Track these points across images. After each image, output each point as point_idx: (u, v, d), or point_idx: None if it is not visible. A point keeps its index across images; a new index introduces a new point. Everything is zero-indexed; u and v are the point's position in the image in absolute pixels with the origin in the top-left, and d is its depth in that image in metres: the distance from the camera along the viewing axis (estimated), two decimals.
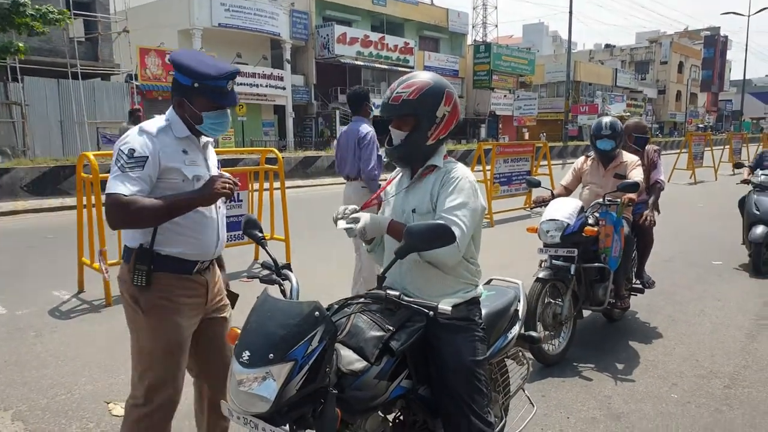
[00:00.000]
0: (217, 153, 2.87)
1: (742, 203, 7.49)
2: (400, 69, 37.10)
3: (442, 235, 1.98)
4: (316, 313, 1.81)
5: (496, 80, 42.56)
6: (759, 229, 6.79)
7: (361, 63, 34.77)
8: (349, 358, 1.96)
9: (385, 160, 3.68)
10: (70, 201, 11.74)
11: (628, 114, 47.26)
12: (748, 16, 47.53)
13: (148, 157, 2.27)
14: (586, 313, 4.87)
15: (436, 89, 2.28)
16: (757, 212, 6.94)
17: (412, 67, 37.35)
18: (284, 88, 31.32)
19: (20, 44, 15.52)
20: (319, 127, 33.94)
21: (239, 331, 1.87)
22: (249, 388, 1.72)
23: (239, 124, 26.48)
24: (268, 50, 32.12)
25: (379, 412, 2.14)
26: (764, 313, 5.45)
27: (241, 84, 28.35)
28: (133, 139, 2.30)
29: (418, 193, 2.33)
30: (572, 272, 4.32)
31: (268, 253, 2.27)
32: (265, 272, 2.29)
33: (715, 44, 69.12)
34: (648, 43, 66.20)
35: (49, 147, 19.90)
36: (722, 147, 23.96)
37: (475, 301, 2.35)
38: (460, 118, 2.38)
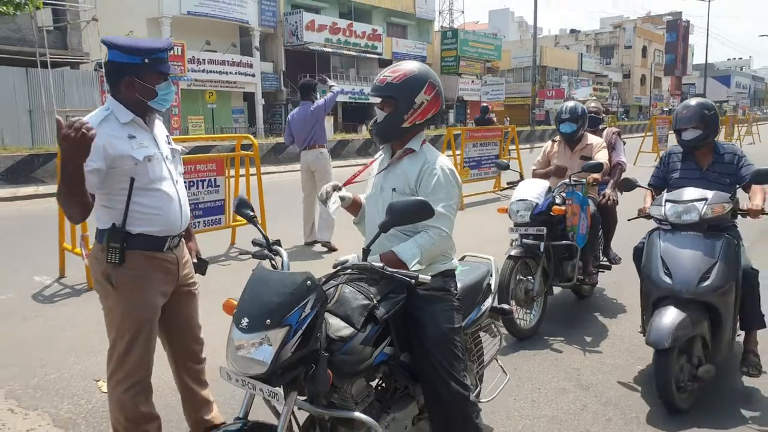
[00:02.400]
0: (191, 140, 2.97)
1: (640, 255, 3.85)
2: (368, 56, 37.06)
3: (421, 210, 2.17)
4: (308, 282, 1.96)
5: (464, 66, 42.79)
6: (668, 317, 3.29)
7: (330, 50, 34.64)
8: (338, 326, 2.12)
9: None
10: (44, 189, 11.66)
11: (593, 98, 48.04)
12: (708, 0, 48.73)
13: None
14: (556, 290, 5.11)
15: (419, 77, 2.49)
16: (668, 279, 3.41)
17: (381, 54, 37.37)
18: (253, 75, 31.10)
19: None
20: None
21: (235, 302, 2.01)
22: (247, 353, 1.87)
23: (209, 111, 26.26)
24: (237, 38, 31.79)
25: (363, 379, 2.30)
26: None
27: (210, 71, 28.18)
28: None
29: (397, 173, 2.54)
30: (542, 250, 4.54)
31: (259, 230, 2.42)
32: (257, 248, 2.42)
33: (677, 29, 70.37)
34: (612, 28, 67.06)
35: (18, 136, 19.39)
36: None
37: (450, 273, 2.54)
38: (441, 108, 2.58)
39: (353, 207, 2.74)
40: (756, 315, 3.63)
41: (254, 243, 2.45)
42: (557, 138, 5.26)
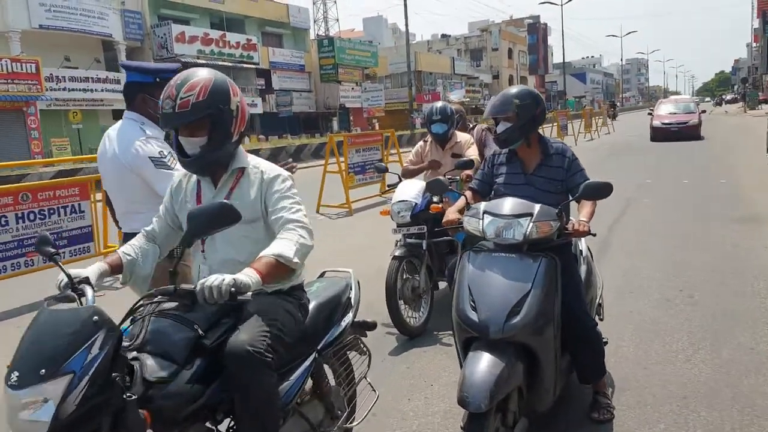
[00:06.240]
0: (54, 163, 3.14)
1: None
2: (244, 66, 36.46)
3: (226, 213, 1.94)
4: (95, 317, 1.67)
5: (343, 73, 43.13)
6: (482, 367, 2.49)
7: (203, 61, 33.60)
8: (154, 366, 1.84)
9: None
10: None
11: (467, 99, 50.18)
12: (561, 5, 52.69)
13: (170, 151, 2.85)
14: (442, 285, 5.21)
15: (221, 82, 2.19)
16: (474, 315, 2.66)
17: (258, 64, 36.89)
18: (122, 91, 29.53)
19: None
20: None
21: None
22: (25, 415, 1.54)
23: (74, 132, 24.60)
24: (100, 52, 30.15)
25: (207, 424, 2.03)
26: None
27: (73, 90, 26.38)
28: (154, 145, 2.91)
29: (241, 201, 2.21)
30: (424, 248, 4.64)
31: (61, 268, 1.99)
32: (59, 291, 1.99)
33: (537, 31, 75.35)
34: (479, 32, 70.37)
35: None
36: (550, 125, 26.26)
37: (298, 287, 2.39)
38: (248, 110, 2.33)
39: (115, 271, 2.24)
40: (598, 368, 3.07)
41: (58, 287, 1.99)
42: (428, 138, 5.38)
